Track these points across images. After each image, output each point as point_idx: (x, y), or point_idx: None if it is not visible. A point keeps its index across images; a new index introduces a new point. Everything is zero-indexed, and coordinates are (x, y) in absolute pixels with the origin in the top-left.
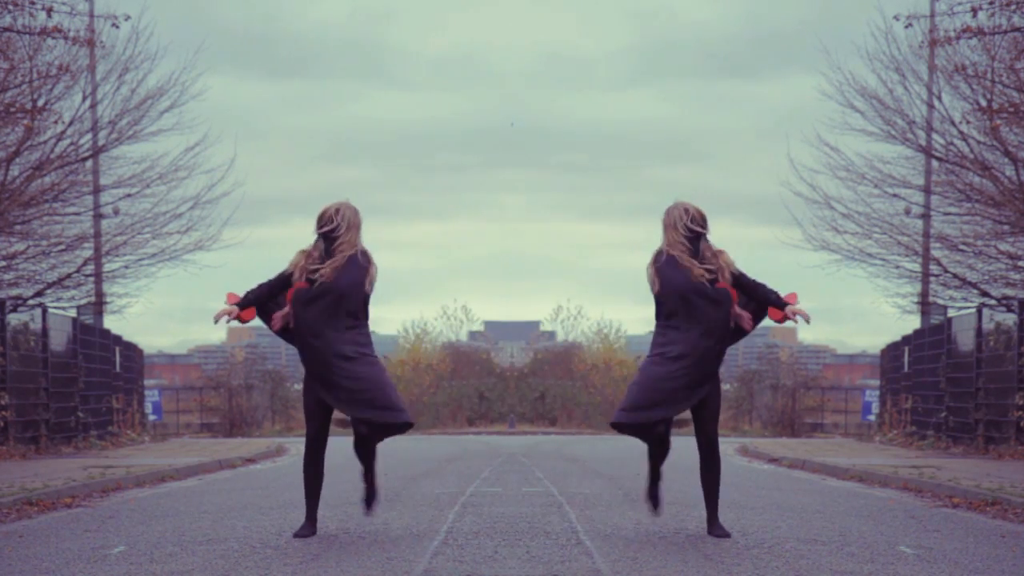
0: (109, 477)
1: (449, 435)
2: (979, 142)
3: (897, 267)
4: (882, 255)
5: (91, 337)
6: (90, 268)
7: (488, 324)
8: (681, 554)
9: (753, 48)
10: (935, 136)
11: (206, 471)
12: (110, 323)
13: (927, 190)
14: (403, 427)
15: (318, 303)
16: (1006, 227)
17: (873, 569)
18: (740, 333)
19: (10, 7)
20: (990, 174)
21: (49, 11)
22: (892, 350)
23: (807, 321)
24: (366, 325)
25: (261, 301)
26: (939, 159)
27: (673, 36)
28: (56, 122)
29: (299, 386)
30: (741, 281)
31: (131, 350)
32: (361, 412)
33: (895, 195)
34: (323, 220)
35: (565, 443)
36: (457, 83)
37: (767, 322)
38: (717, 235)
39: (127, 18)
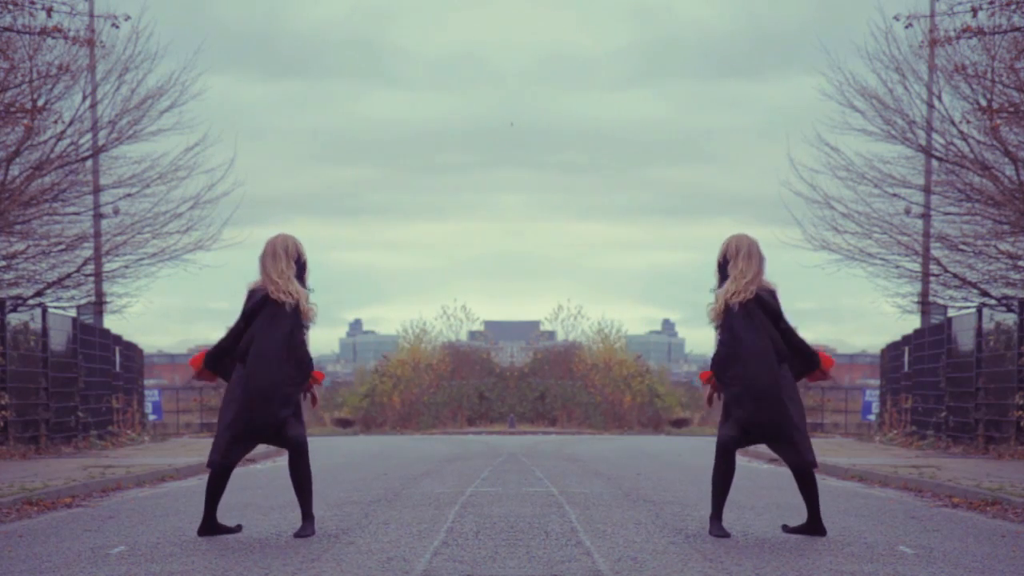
0: (109, 477)
1: (449, 435)
2: (979, 142)
3: (897, 267)
4: (882, 255)
5: (91, 337)
6: (90, 268)
7: (488, 324)
8: (681, 554)
9: (753, 48)
10: (935, 136)
11: (206, 471)
12: (110, 323)
13: (927, 190)
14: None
15: None
16: (1006, 227)
17: (873, 569)
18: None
19: (10, 7)
20: (990, 174)
21: (49, 11)
22: (892, 350)
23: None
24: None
25: None
26: (939, 159)
27: (673, 35)
28: (56, 122)
29: None
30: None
31: (131, 350)
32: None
33: (895, 195)
34: (300, 254)
35: (565, 443)
36: (457, 83)
37: None
38: (717, 235)
39: (127, 18)
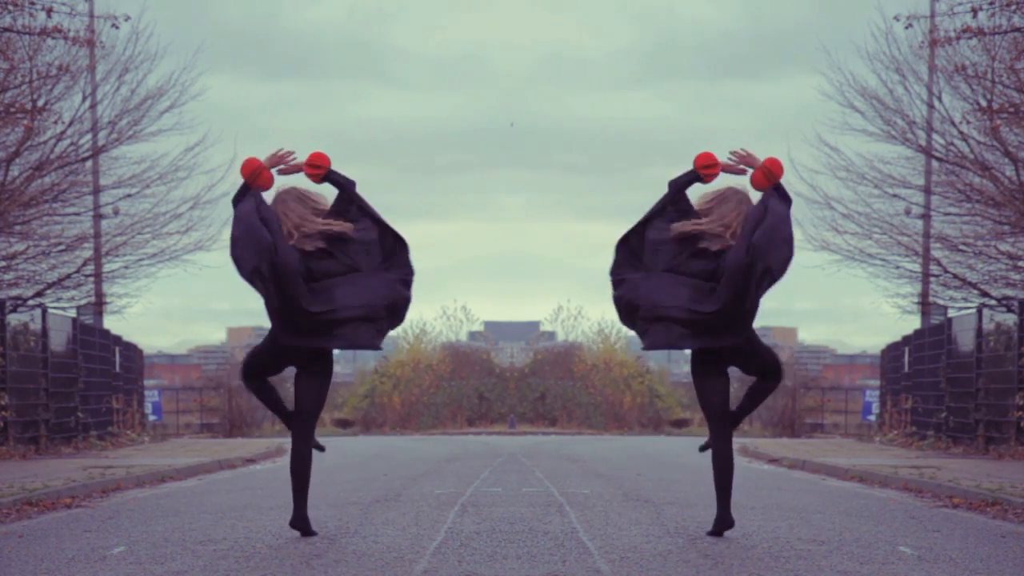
0: (109, 477)
1: (449, 435)
2: (979, 142)
3: (897, 267)
4: (882, 255)
5: (91, 337)
6: (90, 268)
7: (488, 324)
8: (681, 554)
9: (754, 48)
10: (935, 136)
11: (206, 471)
12: (110, 323)
13: (927, 190)
14: None
15: None
16: (1006, 227)
17: (873, 569)
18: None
19: (10, 7)
20: (990, 174)
21: (49, 11)
22: (892, 350)
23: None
24: None
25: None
26: (939, 159)
27: (674, 36)
28: (56, 122)
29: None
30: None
31: (131, 350)
32: None
33: (895, 195)
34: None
35: (565, 443)
36: (457, 83)
37: (766, 321)
38: None
39: (127, 18)
